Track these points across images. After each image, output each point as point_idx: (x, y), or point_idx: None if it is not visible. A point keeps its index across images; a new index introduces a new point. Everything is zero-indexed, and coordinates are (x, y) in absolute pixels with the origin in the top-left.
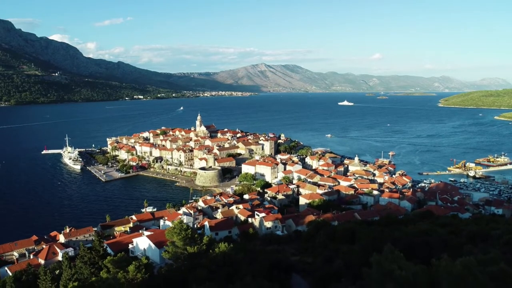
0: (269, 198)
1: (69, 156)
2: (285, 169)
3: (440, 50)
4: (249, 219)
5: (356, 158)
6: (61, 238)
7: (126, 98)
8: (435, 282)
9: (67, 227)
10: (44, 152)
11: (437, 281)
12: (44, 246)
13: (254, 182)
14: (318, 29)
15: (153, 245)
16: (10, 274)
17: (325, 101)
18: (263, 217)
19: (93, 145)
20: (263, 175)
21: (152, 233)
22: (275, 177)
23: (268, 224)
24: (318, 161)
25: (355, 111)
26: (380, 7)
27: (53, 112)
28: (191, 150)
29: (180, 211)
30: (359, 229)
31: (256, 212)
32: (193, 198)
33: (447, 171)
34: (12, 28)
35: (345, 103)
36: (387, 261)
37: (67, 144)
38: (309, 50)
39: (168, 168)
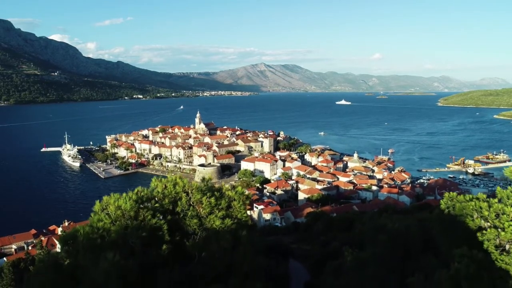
0: (268, 194)
1: (68, 154)
2: (284, 165)
3: (439, 50)
4: (248, 212)
5: (355, 155)
6: (60, 232)
7: (126, 98)
8: (427, 233)
9: (65, 221)
10: (43, 149)
11: (430, 230)
12: (42, 239)
13: (253, 178)
14: (318, 29)
15: None
16: None
17: (323, 101)
18: (262, 209)
19: (91, 143)
20: (262, 172)
21: None
22: (274, 174)
23: (267, 216)
24: (317, 157)
25: (354, 110)
26: (380, 7)
27: (54, 111)
28: (190, 147)
29: None
30: (357, 218)
31: (254, 205)
32: None
33: (446, 168)
34: (11, 27)
35: (343, 102)
36: (380, 217)
37: (67, 141)
38: (309, 50)
39: (167, 165)
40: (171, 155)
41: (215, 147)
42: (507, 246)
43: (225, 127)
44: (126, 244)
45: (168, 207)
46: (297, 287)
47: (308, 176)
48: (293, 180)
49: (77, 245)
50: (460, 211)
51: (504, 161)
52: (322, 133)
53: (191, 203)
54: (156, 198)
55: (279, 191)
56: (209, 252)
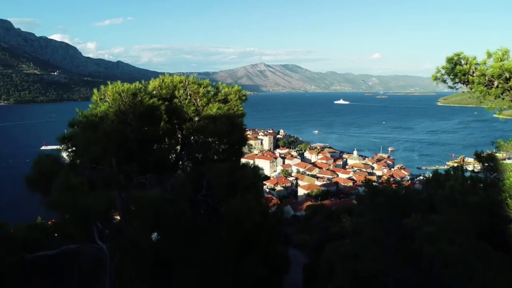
0: (267, 190)
1: None
2: (284, 162)
3: (439, 49)
4: None
5: (355, 152)
6: None
7: None
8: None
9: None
10: (43, 148)
11: (428, 192)
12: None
13: None
14: (318, 29)
15: None
16: None
17: (323, 101)
18: None
19: None
20: (262, 169)
21: None
22: (274, 171)
23: None
24: (317, 155)
25: (354, 109)
26: (380, 7)
27: (54, 110)
28: None
29: None
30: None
31: None
32: None
33: (445, 166)
34: (11, 27)
35: (341, 101)
36: (379, 185)
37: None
38: (309, 50)
39: None
40: None
41: None
42: None
43: None
44: (124, 122)
45: (165, 96)
46: (296, 271)
47: (307, 172)
48: (292, 176)
49: (75, 134)
50: None
51: (504, 159)
52: (316, 131)
53: (188, 93)
54: (154, 90)
55: (278, 187)
56: (205, 134)
